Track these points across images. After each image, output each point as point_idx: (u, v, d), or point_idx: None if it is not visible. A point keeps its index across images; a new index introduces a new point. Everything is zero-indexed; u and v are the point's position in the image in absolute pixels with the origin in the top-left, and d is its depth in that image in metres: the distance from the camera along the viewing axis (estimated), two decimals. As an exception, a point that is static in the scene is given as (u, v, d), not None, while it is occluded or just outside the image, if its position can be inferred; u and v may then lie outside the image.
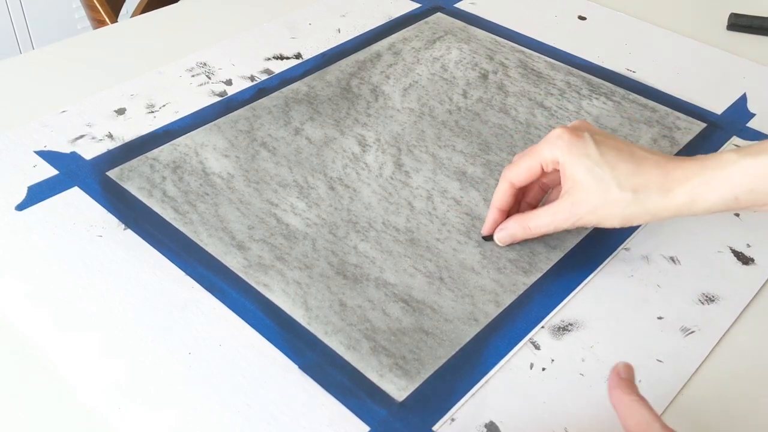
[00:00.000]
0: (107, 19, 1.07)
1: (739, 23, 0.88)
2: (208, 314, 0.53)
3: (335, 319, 0.53)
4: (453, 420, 0.47)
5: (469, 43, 0.82)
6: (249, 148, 0.67)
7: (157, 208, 0.61)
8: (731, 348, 0.53)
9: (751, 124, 0.73)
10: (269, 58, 0.80)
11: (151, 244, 0.58)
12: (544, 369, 0.50)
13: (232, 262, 0.56)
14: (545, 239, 0.59)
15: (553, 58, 0.81)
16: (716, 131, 0.71)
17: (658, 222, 0.61)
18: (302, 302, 0.54)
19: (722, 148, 0.70)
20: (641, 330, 0.53)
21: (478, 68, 0.78)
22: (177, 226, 0.59)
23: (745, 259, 0.59)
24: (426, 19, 0.87)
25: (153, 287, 0.55)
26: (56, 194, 0.62)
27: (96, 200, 0.61)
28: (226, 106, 0.72)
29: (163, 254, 0.57)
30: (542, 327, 0.53)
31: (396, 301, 0.54)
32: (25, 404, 0.48)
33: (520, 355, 0.51)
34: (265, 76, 0.77)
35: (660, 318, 0.54)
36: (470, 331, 0.52)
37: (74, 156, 0.66)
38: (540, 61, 0.80)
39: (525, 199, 0.60)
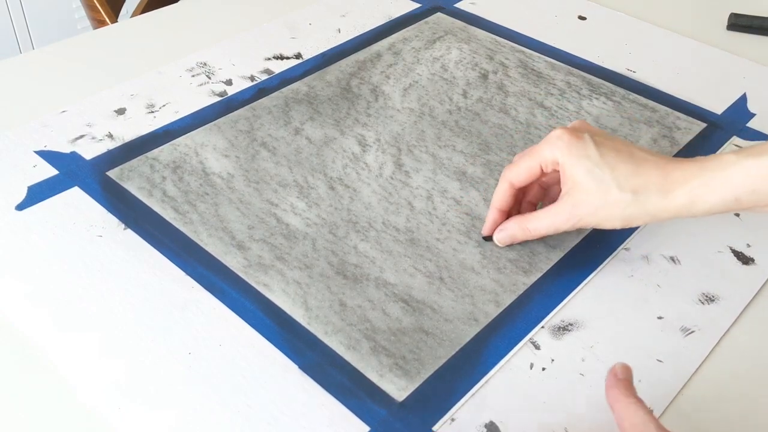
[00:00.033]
0: (107, 19, 1.07)
1: (739, 23, 0.88)
2: (208, 314, 0.53)
3: (335, 319, 0.53)
4: (453, 420, 0.47)
5: (469, 43, 0.82)
6: (249, 148, 0.67)
7: (157, 208, 0.61)
8: (731, 348, 0.53)
9: (751, 124, 0.73)
10: (269, 58, 0.80)
11: (151, 244, 0.58)
12: (544, 369, 0.50)
13: (232, 262, 0.56)
14: (545, 239, 0.59)
15: (553, 58, 0.81)
16: (716, 131, 0.71)
17: (658, 222, 0.61)
18: (302, 302, 0.54)
19: (722, 148, 0.70)
20: (641, 330, 0.53)
21: (478, 68, 0.78)
22: (177, 226, 0.59)
23: (745, 259, 0.59)
24: (426, 19, 0.87)
25: (153, 287, 0.55)
26: (56, 194, 0.62)
27: (96, 200, 0.61)
28: (226, 106, 0.72)
29: (163, 254, 0.57)
30: (542, 327, 0.53)
31: (396, 301, 0.54)
32: (25, 404, 0.48)
33: (520, 355, 0.51)
34: (265, 76, 0.77)
35: (660, 318, 0.54)
36: (470, 331, 0.52)
37: (74, 156, 0.66)
38: (540, 61, 0.80)
39: (525, 198, 0.60)
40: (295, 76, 0.76)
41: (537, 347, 0.52)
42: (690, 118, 0.73)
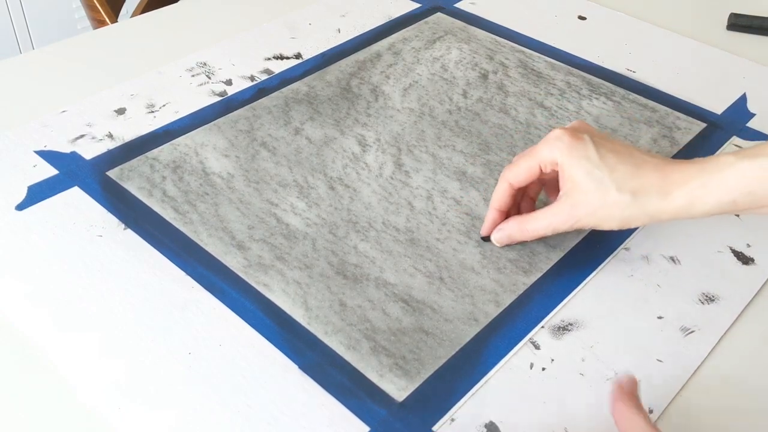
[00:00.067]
0: (107, 19, 1.07)
1: (739, 23, 0.88)
2: (208, 314, 0.53)
3: (335, 319, 0.53)
4: (453, 420, 0.47)
5: (469, 43, 0.82)
6: (249, 148, 0.67)
7: (157, 207, 0.61)
8: (731, 348, 0.53)
9: (751, 124, 0.73)
10: (269, 58, 0.80)
11: (151, 244, 0.58)
12: (544, 369, 0.50)
13: (232, 261, 0.57)
14: (545, 239, 0.59)
15: (553, 58, 0.81)
16: (716, 131, 0.71)
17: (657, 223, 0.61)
18: (302, 302, 0.54)
19: (722, 148, 0.70)
20: (641, 330, 0.53)
21: (478, 68, 0.78)
22: (177, 226, 0.59)
23: (745, 259, 0.59)
24: (426, 19, 0.87)
25: (153, 287, 0.55)
26: (56, 194, 0.62)
27: (96, 200, 0.61)
28: (226, 106, 0.72)
29: (163, 254, 0.57)
30: (542, 327, 0.53)
31: (396, 301, 0.54)
32: (25, 404, 0.48)
33: (520, 355, 0.51)
34: (265, 76, 0.77)
35: (660, 318, 0.54)
36: (470, 331, 0.52)
37: (74, 156, 0.66)
38: (540, 61, 0.80)
39: (527, 194, 0.60)
40: (295, 76, 0.76)
41: (537, 347, 0.52)
42: (690, 118, 0.73)
